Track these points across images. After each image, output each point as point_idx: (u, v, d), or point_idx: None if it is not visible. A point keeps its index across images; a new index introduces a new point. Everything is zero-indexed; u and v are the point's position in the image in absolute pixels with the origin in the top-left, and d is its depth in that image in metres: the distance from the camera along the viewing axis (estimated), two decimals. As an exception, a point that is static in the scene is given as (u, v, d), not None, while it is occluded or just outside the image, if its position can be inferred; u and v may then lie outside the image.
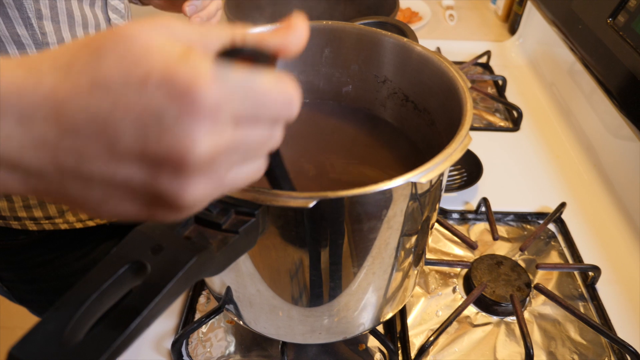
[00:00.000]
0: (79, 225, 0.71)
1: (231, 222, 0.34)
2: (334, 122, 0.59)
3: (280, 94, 0.25)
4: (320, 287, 0.42)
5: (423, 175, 0.35)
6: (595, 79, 0.79)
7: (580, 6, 0.84)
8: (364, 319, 0.48)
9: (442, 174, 0.37)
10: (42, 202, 0.68)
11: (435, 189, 0.40)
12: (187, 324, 0.58)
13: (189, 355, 0.57)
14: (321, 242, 0.37)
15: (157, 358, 0.56)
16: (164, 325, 0.59)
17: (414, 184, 0.35)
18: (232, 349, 0.57)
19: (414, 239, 0.44)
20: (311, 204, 0.32)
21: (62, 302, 0.28)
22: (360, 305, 0.46)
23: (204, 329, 0.59)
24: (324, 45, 0.55)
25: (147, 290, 0.29)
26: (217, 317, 0.58)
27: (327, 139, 0.55)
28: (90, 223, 0.72)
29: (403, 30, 0.56)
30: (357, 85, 0.58)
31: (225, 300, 0.50)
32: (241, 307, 0.49)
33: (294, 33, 0.27)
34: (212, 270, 0.33)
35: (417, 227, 0.42)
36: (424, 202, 0.41)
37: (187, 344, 0.58)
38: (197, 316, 0.60)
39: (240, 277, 0.44)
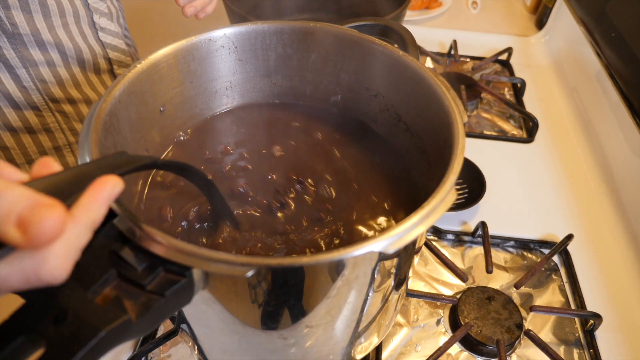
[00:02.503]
0: None
1: (158, 281, 0.29)
2: (324, 131, 0.52)
3: None
4: (272, 339, 0.37)
5: (391, 242, 0.29)
6: (619, 92, 0.71)
7: (616, 10, 0.75)
8: (327, 366, 0.43)
9: (417, 237, 0.31)
10: None
11: (411, 245, 0.35)
12: (148, 339, 0.55)
13: (147, 373, 0.53)
14: (269, 302, 0.32)
15: (113, 373, 0.53)
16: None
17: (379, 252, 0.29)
18: (195, 366, 0.54)
19: (387, 287, 0.39)
20: (249, 273, 0.27)
21: None
22: (320, 355, 0.41)
23: (165, 342, 0.55)
24: (310, 50, 0.49)
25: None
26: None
27: (310, 152, 0.50)
28: None
29: (402, 36, 0.49)
30: (346, 96, 0.51)
31: (179, 321, 0.46)
32: (196, 335, 0.44)
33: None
34: (131, 337, 0.28)
35: (388, 281, 0.37)
36: (398, 256, 0.35)
37: (146, 360, 0.54)
38: (161, 329, 0.57)
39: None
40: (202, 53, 0.47)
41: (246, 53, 0.49)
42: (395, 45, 0.50)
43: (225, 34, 0.47)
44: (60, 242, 0.23)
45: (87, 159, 0.34)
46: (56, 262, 0.23)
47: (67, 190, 0.25)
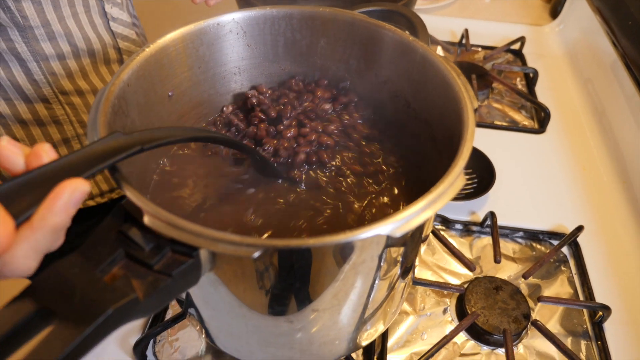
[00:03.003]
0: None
1: (165, 261, 0.29)
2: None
3: None
4: (278, 322, 0.37)
5: (398, 226, 0.29)
6: (635, 83, 0.70)
7: (633, -1, 0.74)
8: (332, 350, 0.44)
9: (425, 222, 0.31)
10: None
11: (418, 231, 0.35)
12: (156, 321, 0.55)
13: (155, 355, 0.54)
14: (275, 284, 0.32)
15: (122, 355, 0.53)
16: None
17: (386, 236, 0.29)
18: (202, 350, 0.54)
19: (393, 275, 0.38)
20: (255, 254, 0.27)
21: None
22: (327, 340, 0.41)
23: (173, 326, 0.56)
24: (319, 35, 0.48)
25: (53, 343, 0.25)
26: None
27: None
28: (90, 203, 0.70)
29: (413, 21, 0.48)
30: (355, 82, 0.51)
31: (187, 305, 0.46)
32: (203, 318, 0.45)
33: None
34: (138, 315, 0.29)
35: (394, 269, 0.37)
36: (405, 243, 0.35)
37: (154, 343, 0.55)
38: (170, 312, 0.57)
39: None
40: (210, 38, 0.47)
41: (255, 38, 0.49)
42: (406, 32, 0.50)
43: (233, 19, 0.47)
44: (21, 246, 0.26)
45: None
46: (17, 263, 0.26)
47: (27, 195, 0.27)
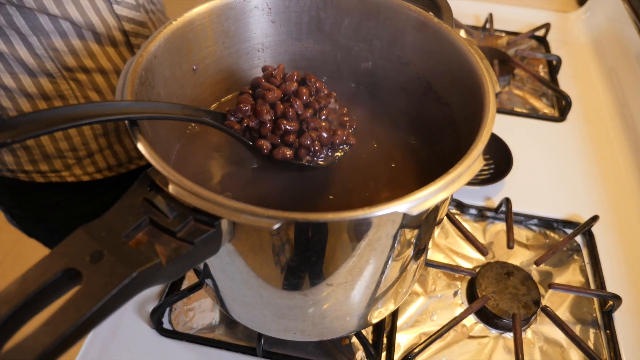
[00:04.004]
0: (85, 178, 0.70)
1: (188, 230, 0.30)
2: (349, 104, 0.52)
3: None
4: (292, 295, 0.39)
5: (415, 205, 0.29)
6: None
7: (664, -14, 0.72)
8: (343, 325, 0.45)
9: (441, 202, 0.31)
10: (47, 155, 0.66)
11: (433, 213, 0.35)
12: (173, 290, 0.57)
13: (170, 323, 0.55)
14: (292, 257, 0.33)
15: (139, 321, 0.55)
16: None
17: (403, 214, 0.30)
18: (217, 320, 0.56)
19: (406, 255, 0.39)
20: (275, 226, 0.28)
21: None
22: (338, 315, 0.42)
23: (189, 295, 0.57)
24: (344, 15, 0.48)
25: (81, 301, 0.26)
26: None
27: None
28: (98, 176, 0.71)
29: (438, 4, 0.48)
30: (377, 63, 0.51)
31: (204, 275, 0.48)
32: (219, 288, 0.46)
33: None
34: (161, 281, 0.30)
35: (408, 250, 0.37)
36: (419, 225, 0.36)
37: (170, 311, 0.56)
38: (186, 283, 0.59)
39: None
40: (236, 13, 0.47)
41: (279, 15, 0.49)
42: (430, 13, 0.49)
43: (259, -5, 0.47)
44: None
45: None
46: None
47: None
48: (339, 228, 0.30)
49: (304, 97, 0.41)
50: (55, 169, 0.67)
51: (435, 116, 0.47)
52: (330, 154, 0.42)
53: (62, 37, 0.59)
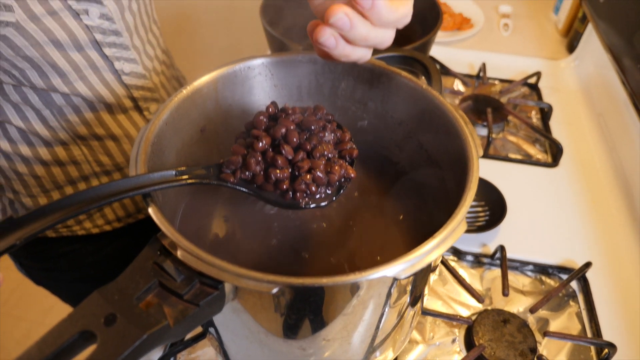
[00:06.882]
0: (95, 231, 0.72)
1: (194, 292, 0.33)
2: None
3: None
4: (291, 349, 0.41)
5: (403, 268, 0.32)
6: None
7: (645, 41, 0.76)
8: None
9: (429, 264, 0.34)
10: None
11: (424, 271, 0.37)
12: (178, 341, 0.59)
13: (175, 372, 0.57)
14: (290, 315, 0.36)
15: (145, 370, 0.57)
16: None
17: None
18: (220, 368, 0.57)
19: (402, 303, 0.41)
20: (274, 290, 0.30)
21: None
22: (337, 367, 0.44)
23: (193, 345, 0.59)
24: (340, 79, 0.52)
25: (96, 361, 0.29)
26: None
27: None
28: (107, 228, 0.73)
29: (428, 68, 0.52)
30: (372, 121, 0.54)
31: (208, 324, 0.50)
32: (222, 339, 0.48)
33: None
34: (168, 340, 0.32)
35: (403, 298, 0.40)
36: (409, 284, 0.38)
37: None
38: (191, 333, 0.61)
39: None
40: (241, 79, 0.51)
41: (281, 80, 0.53)
42: (422, 78, 0.53)
43: (262, 63, 0.51)
44: None
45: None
46: None
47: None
48: (333, 290, 0.33)
49: (294, 140, 0.40)
50: (66, 224, 0.70)
51: (427, 173, 0.50)
52: (329, 191, 0.42)
53: (74, 110, 0.62)
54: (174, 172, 0.38)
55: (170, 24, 1.83)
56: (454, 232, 0.34)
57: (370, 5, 0.33)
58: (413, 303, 0.44)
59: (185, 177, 0.39)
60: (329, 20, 0.34)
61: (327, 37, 0.35)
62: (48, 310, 1.66)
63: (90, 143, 0.66)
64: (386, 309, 0.39)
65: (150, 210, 0.35)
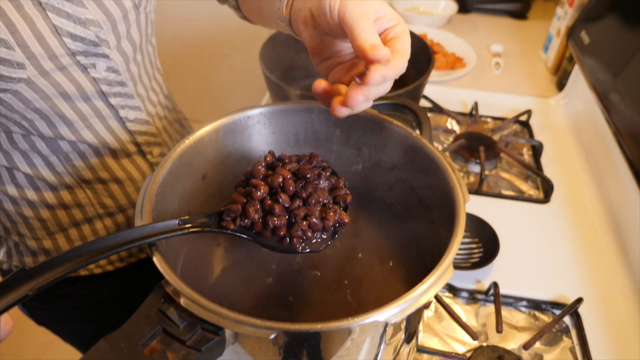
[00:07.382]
0: (98, 271, 0.74)
1: (196, 338, 0.35)
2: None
3: None
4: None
5: (394, 313, 0.34)
6: (627, 162, 0.74)
7: (625, 86, 0.79)
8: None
9: (420, 307, 0.36)
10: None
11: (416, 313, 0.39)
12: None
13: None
14: (287, 358, 0.37)
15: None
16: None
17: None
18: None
19: (397, 340, 0.43)
20: (271, 336, 0.32)
21: None
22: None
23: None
24: (335, 127, 0.55)
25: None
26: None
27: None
28: (109, 268, 0.75)
29: (418, 115, 0.55)
30: (367, 165, 0.57)
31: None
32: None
33: None
34: (172, 385, 0.34)
35: (398, 335, 0.41)
36: (403, 322, 0.40)
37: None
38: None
39: None
40: (240, 127, 0.54)
41: (278, 127, 0.56)
42: (414, 124, 0.56)
43: (261, 112, 0.54)
44: None
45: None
46: None
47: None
48: (327, 335, 0.35)
49: (290, 188, 0.43)
50: None
51: (419, 215, 0.52)
52: (324, 236, 0.44)
53: (80, 156, 0.65)
54: (177, 222, 0.40)
55: (173, 64, 1.89)
56: (441, 277, 0.36)
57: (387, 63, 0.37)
58: (408, 340, 0.46)
59: (188, 225, 0.41)
60: (368, 83, 0.37)
61: (360, 102, 0.38)
62: (47, 346, 1.65)
63: (95, 186, 0.68)
64: (381, 348, 0.41)
65: (155, 259, 0.38)
